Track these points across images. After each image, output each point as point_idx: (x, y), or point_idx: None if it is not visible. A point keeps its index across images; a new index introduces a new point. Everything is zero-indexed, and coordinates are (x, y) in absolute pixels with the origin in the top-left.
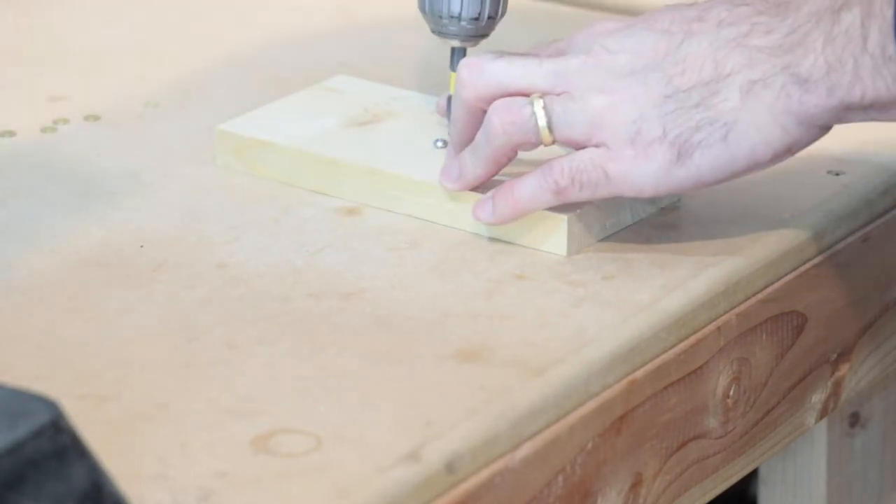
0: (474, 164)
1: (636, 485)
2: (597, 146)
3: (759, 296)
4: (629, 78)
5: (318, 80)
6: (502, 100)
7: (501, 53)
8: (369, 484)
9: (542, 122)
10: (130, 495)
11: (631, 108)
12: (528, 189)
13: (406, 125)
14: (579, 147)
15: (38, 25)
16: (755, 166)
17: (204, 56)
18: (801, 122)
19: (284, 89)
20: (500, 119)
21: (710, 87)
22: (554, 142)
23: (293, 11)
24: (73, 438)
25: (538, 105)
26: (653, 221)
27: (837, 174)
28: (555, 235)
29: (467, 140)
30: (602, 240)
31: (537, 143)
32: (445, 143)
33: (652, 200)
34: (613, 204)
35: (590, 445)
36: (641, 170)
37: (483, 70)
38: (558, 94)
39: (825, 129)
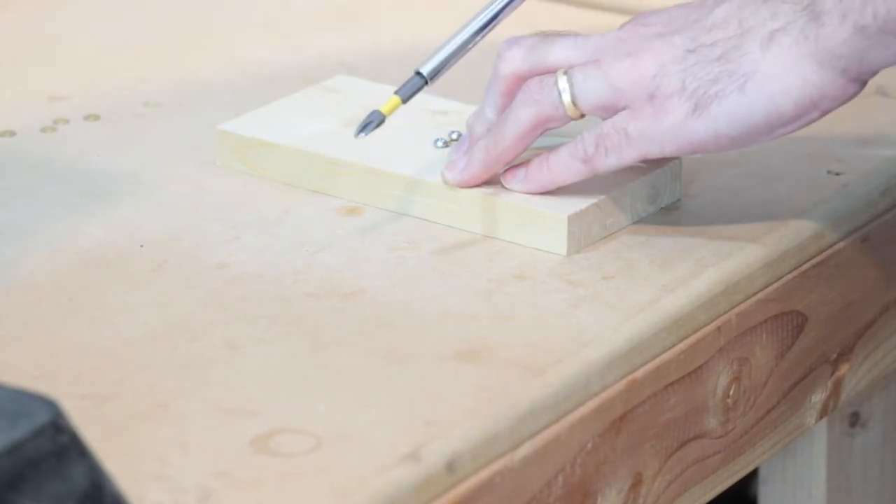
0: (490, 146)
1: (636, 485)
2: (622, 110)
3: (759, 296)
4: (656, 40)
5: (318, 80)
6: (535, 77)
7: (541, 33)
8: (369, 484)
9: (565, 92)
10: (130, 495)
11: (652, 64)
12: (561, 158)
13: (406, 125)
14: (611, 116)
15: (37, 25)
16: (777, 121)
17: (204, 56)
18: (822, 64)
19: (284, 89)
20: (529, 90)
21: (733, 42)
22: (582, 115)
23: (293, 11)
24: (73, 438)
25: (562, 77)
26: (653, 221)
27: (837, 174)
28: (555, 235)
29: (491, 125)
30: (602, 240)
31: (563, 116)
32: (446, 144)
33: (652, 200)
34: (613, 204)
35: (590, 445)
36: (659, 124)
37: (521, 45)
38: None
39: (848, 76)
